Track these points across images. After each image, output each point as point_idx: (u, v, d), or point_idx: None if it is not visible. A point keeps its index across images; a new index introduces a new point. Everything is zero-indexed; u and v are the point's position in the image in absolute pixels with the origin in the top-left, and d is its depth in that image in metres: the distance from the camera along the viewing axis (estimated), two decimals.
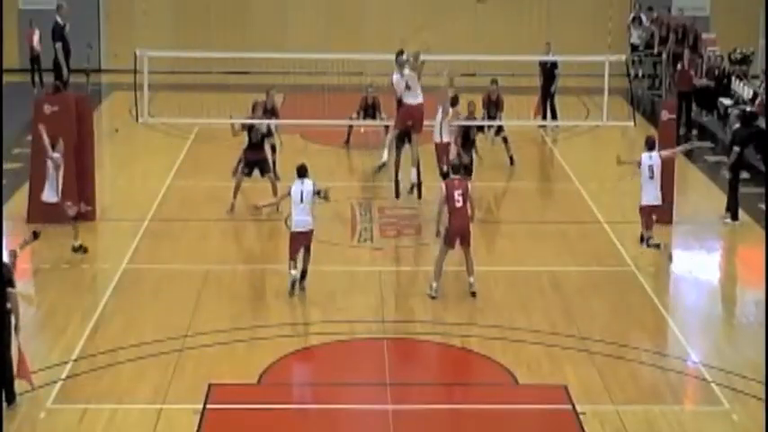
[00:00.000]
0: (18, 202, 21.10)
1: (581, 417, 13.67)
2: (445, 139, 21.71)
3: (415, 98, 21.15)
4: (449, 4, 36.46)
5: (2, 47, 29.42)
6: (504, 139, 24.89)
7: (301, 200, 17.65)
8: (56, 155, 19.20)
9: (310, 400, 14.42)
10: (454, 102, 22.20)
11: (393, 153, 21.57)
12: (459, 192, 17.48)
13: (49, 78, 28.22)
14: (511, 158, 24.92)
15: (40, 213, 20.39)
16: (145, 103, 22.20)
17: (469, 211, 17.59)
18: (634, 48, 34.62)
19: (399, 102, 21.59)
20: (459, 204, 17.47)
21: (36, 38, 31.93)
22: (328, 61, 28.54)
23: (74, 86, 24.22)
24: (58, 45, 27.70)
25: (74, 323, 16.28)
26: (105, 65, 35.18)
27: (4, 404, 13.48)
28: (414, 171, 21.53)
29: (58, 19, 27.98)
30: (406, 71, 21.05)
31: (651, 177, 18.90)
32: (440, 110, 21.73)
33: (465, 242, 17.56)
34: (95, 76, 30.71)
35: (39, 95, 23.87)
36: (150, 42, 33.10)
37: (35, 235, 16.38)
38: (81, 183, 20.58)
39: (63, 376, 14.56)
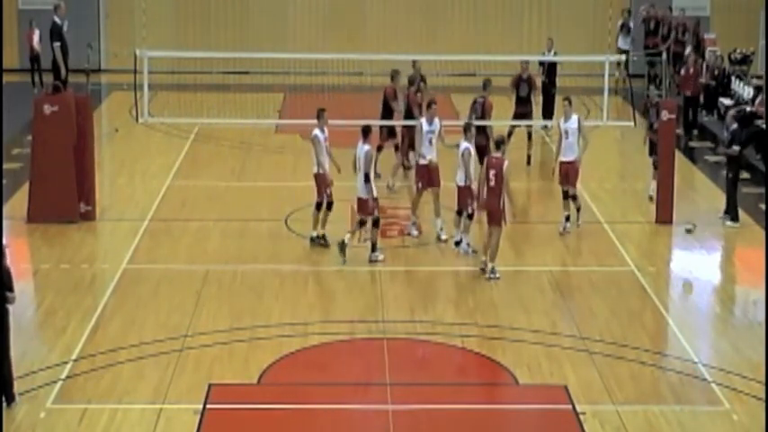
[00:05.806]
0: (18, 202, 21.08)
1: (581, 417, 13.66)
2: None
3: (433, 152, 20.08)
4: (449, 3, 36.47)
5: (2, 47, 29.55)
6: (529, 135, 25.41)
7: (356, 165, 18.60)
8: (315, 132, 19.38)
9: (310, 400, 14.39)
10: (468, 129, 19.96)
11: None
12: (493, 171, 17.87)
13: (48, 78, 28.22)
14: (528, 157, 25.31)
15: (40, 213, 20.41)
16: (145, 103, 22.18)
17: (503, 191, 17.85)
18: (623, 52, 34.51)
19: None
20: (491, 183, 17.93)
21: (36, 38, 31.93)
22: (328, 61, 28.55)
23: (74, 86, 24.17)
24: (56, 45, 27.71)
25: (74, 323, 16.27)
26: (105, 65, 35.15)
27: (4, 404, 13.49)
28: (438, 221, 19.91)
29: (56, 19, 27.99)
30: (436, 119, 20.12)
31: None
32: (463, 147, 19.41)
33: (493, 221, 17.96)
34: (95, 76, 30.65)
35: (39, 95, 23.82)
36: (150, 42, 33.24)
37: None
38: (81, 183, 20.59)
39: (63, 376, 14.54)
